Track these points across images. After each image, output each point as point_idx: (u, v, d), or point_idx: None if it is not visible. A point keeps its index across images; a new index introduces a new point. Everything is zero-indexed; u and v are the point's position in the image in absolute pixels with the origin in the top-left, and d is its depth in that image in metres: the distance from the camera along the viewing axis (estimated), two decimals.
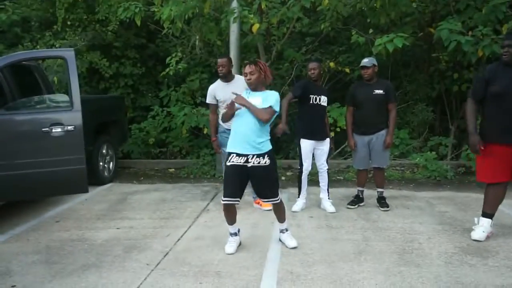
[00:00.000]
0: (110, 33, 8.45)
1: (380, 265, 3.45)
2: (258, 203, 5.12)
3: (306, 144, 4.91)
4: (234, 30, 6.88)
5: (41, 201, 5.40)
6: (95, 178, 6.14)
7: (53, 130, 4.16)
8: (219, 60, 4.92)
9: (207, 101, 5.01)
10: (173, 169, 7.42)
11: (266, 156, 3.64)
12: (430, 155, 6.82)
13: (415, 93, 8.41)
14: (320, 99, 4.85)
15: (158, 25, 7.62)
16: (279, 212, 3.87)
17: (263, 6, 6.09)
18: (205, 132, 7.46)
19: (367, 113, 4.84)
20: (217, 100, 4.88)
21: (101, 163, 6.37)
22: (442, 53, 7.86)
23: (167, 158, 8.09)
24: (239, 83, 4.54)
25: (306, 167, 4.94)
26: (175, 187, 6.29)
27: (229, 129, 3.88)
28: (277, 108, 3.63)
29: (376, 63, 4.84)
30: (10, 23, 8.47)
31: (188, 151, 8.11)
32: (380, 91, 4.80)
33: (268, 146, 3.69)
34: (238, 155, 3.62)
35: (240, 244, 3.88)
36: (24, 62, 5.11)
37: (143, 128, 8.19)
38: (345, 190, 5.84)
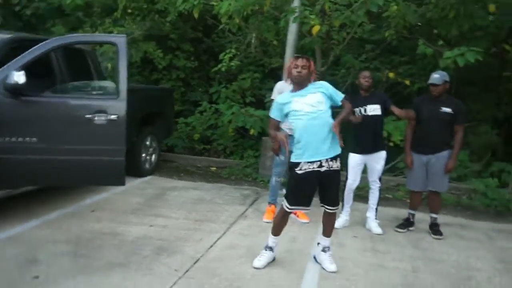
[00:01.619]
0: (168, 24, 8.40)
1: None
2: (295, 213, 4.81)
3: (354, 159, 4.57)
4: (292, 31, 6.59)
5: (80, 188, 5.33)
6: (136, 170, 6.04)
7: (96, 118, 4.03)
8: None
9: (273, 97, 4.68)
10: (215, 168, 7.24)
11: (338, 159, 3.40)
12: (491, 181, 6.23)
13: (480, 113, 7.80)
14: (365, 109, 4.45)
15: (215, 19, 7.46)
16: (331, 224, 3.58)
17: (326, 7, 5.75)
18: (251, 133, 7.22)
19: (430, 131, 4.41)
20: None
21: (143, 155, 6.25)
22: None
23: (211, 155, 7.92)
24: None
25: (351, 182, 4.59)
26: (214, 187, 6.09)
27: (291, 135, 3.58)
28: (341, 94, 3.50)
29: (448, 79, 4.40)
30: (73, 7, 8.59)
31: (232, 151, 7.91)
32: (448, 110, 4.35)
33: (339, 147, 3.41)
34: (311, 162, 3.34)
35: (274, 259, 3.59)
36: (77, 46, 5.06)
37: (189, 123, 8.07)
38: (394, 211, 5.41)
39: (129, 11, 8.44)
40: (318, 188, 3.46)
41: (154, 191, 5.60)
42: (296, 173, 3.36)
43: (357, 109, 4.48)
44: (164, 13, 8.34)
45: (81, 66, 5.20)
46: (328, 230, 3.58)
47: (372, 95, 4.55)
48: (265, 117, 7.20)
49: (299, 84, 3.40)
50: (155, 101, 6.70)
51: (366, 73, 4.57)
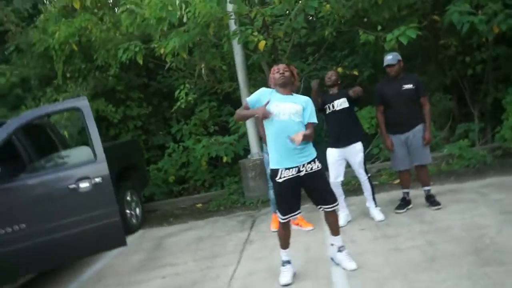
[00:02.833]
0: (111, 77, 8.30)
1: (460, 269, 3.16)
2: (297, 224, 4.84)
3: (332, 154, 4.67)
4: (238, 52, 6.72)
5: (76, 263, 5.10)
6: (125, 228, 5.85)
7: (81, 186, 3.91)
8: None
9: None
10: (200, 204, 7.15)
11: (316, 160, 3.43)
12: (463, 143, 6.52)
13: (429, 84, 8.18)
14: (333, 105, 4.61)
15: (159, 60, 7.45)
16: (335, 222, 3.58)
17: (267, 20, 5.90)
18: (224, 160, 7.23)
19: (399, 110, 4.60)
20: None
21: (128, 211, 6.08)
22: (450, 38, 7.64)
23: (190, 194, 7.81)
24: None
25: (333, 179, 4.65)
26: (208, 222, 6.00)
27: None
28: (316, 120, 3.45)
29: (400, 58, 4.63)
30: (10, 86, 8.34)
31: (211, 183, 7.85)
32: (410, 86, 4.56)
33: (314, 150, 3.47)
34: (289, 168, 3.37)
35: (295, 274, 3.57)
36: (35, 122, 4.91)
37: (161, 168, 7.94)
38: (386, 195, 5.53)
39: (68, 75, 8.28)
40: (307, 192, 3.51)
41: (150, 243, 5.45)
42: (277, 182, 3.41)
43: (326, 107, 4.62)
44: (104, 68, 8.25)
45: (44, 139, 5.04)
46: (334, 228, 3.60)
47: (339, 92, 4.69)
48: (235, 141, 7.24)
49: (284, 86, 3.44)
50: (124, 155, 6.56)
51: (329, 73, 4.77)
